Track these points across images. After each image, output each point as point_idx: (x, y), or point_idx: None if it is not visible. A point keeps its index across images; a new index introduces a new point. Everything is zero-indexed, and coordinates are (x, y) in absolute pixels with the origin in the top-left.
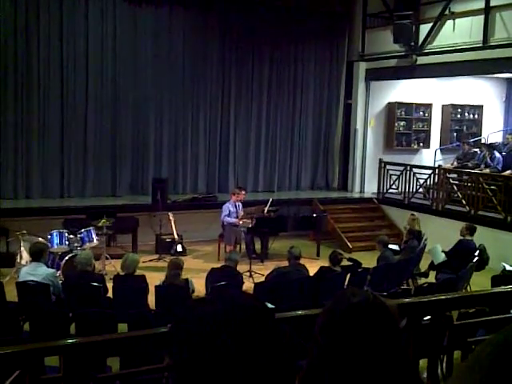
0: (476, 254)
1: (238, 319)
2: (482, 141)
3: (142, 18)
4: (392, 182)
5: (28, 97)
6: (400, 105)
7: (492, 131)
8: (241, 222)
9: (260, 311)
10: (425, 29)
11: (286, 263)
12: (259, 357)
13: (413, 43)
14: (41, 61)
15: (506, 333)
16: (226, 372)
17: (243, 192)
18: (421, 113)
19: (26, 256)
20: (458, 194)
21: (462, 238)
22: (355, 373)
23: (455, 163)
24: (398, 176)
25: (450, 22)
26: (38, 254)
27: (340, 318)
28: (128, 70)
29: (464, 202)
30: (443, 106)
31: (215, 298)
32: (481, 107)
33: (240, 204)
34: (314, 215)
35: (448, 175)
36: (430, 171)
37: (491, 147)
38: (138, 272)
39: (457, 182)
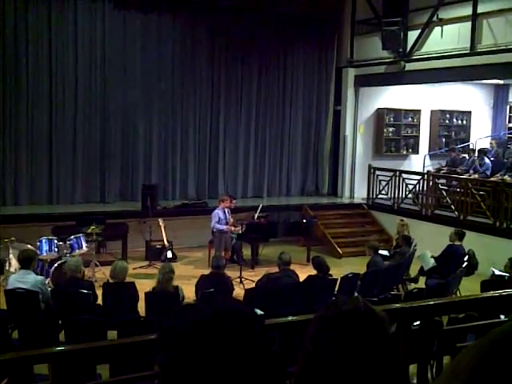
0: (465, 259)
1: (225, 325)
2: (471, 146)
3: (131, 24)
4: (381, 188)
5: (16, 102)
6: (389, 111)
7: (480, 137)
8: (232, 229)
9: (248, 317)
10: (413, 35)
11: (276, 269)
12: (247, 363)
13: (401, 49)
14: (29, 67)
15: (488, 339)
16: (213, 379)
17: (234, 201)
18: (409, 119)
19: (14, 263)
20: (447, 199)
21: (451, 243)
22: (345, 380)
23: (444, 169)
24: (388, 182)
25: (437, 29)
26: (26, 262)
27: (331, 326)
28: (117, 75)
29: (453, 207)
30: (432, 111)
31: (203, 305)
32: (469, 113)
33: (229, 210)
34: (304, 221)
35: (437, 181)
36: (419, 177)
37: (482, 152)
38: (128, 279)
39: (446, 188)
